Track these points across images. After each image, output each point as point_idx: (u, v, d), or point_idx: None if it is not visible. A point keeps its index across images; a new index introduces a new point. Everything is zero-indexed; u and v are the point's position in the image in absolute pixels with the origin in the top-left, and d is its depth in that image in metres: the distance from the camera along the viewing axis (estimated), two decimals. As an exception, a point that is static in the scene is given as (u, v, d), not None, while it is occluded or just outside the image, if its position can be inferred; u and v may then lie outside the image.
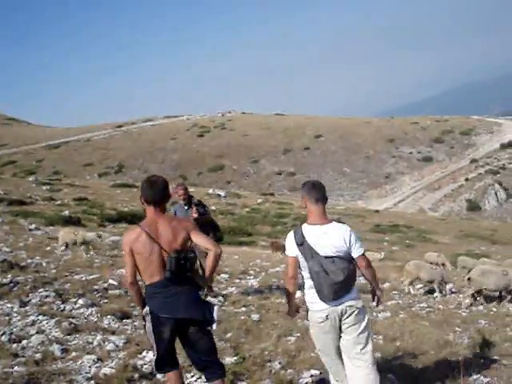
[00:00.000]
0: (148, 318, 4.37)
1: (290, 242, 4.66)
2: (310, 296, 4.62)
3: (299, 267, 4.65)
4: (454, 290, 12.97)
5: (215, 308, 4.42)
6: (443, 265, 20.17)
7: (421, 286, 13.73)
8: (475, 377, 5.94)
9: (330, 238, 4.54)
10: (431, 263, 20.49)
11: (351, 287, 4.60)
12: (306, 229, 4.63)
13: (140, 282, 4.48)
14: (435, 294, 12.42)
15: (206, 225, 8.40)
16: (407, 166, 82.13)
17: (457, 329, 8.53)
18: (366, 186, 77.01)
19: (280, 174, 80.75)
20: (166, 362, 4.40)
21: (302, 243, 4.56)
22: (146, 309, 4.37)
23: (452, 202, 69.75)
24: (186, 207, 8.88)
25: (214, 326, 4.43)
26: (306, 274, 4.60)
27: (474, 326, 8.68)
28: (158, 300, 4.28)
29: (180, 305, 4.25)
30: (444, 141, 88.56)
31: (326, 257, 4.49)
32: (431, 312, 10.17)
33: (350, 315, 4.58)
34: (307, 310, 4.75)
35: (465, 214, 65.16)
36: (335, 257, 4.51)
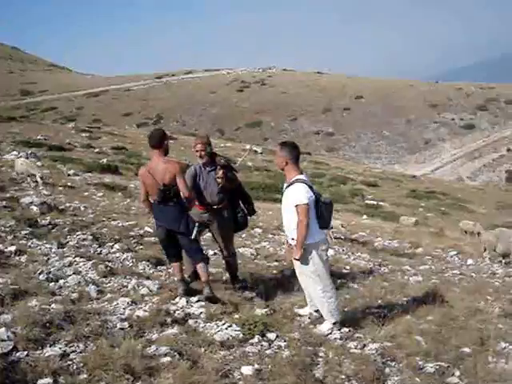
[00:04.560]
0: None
1: (306, 190, 5.67)
2: (316, 229, 5.78)
3: None
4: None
5: (196, 227, 6.23)
6: (478, 234, 19.90)
7: (455, 252, 13.63)
8: (504, 345, 5.90)
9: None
10: (466, 232, 20.26)
11: None
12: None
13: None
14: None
15: (235, 193, 7.17)
16: (448, 132, 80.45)
17: (488, 297, 8.45)
18: (404, 151, 75.89)
19: (318, 133, 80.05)
20: (167, 253, 6.59)
21: (311, 187, 5.79)
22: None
23: (491, 172, 68.36)
24: (208, 168, 6.97)
25: (193, 237, 6.20)
26: (312, 214, 5.72)
27: (507, 296, 8.60)
28: (156, 212, 6.35)
29: (166, 218, 6.24)
30: (488, 109, 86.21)
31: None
32: (463, 279, 10.11)
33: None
34: (307, 250, 5.72)
35: (504, 185, 63.85)
36: None
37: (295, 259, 5.80)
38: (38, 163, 17.52)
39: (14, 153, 19.50)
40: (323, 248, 5.87)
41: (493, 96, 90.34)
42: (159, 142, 6.15)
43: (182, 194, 6.16)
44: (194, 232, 6.24)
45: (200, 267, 6.42)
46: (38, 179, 14.03)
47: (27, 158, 17.75)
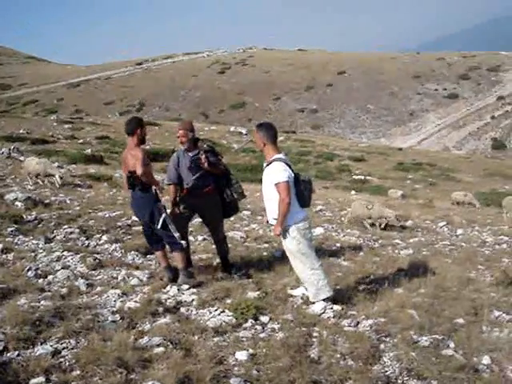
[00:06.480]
0: None
1: (284, 168, 5.65)
2: (297, 210, 5.72)
3: None
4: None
5: (162, 217, 6.28)
6: (470, 204, 19.98)
7: (444, 223, 13.68)
8: (497, 314, 5.91)
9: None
10: (458, 203, 20.31)
11: None
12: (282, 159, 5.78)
13: None
14: None
15: (221, 178, 7.04)
16: (432, 103, 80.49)
17: (480, 267, 8.48)
18: (389, 124, 75.85)
19: (302, 111, 79.77)
20: (149, 241, 6.70)
21: (290, 166, 5.75)
22: None
23: (477, 140, 68.59)
24: (190, 153, 6.87)
25: (158, 227, 6.28)
26: (292, 193, 5.66)
27: (498, 264, 8.63)
28: (131, 198, 6.55)
29: (134, 206, 6.58)
30: (470, 77, 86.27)
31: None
32: (454, 250, 10.13)
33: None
34: (288, 230, 5.71)
35: (489, 153, 64.11)
36: None
37: (276, 235, 5.84)
38: (22, 158, 17.34)
39: (-3, 148, 19.29)
40: (306, 226, 5.85)
41: (474, 64, 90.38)
42: (132, 129, 6.32)
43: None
44: (160, 222, 6.29)
45: (176, 255, 6.60)
46: (58, 179, 13.49)
47: (11, 152, 17.53)
